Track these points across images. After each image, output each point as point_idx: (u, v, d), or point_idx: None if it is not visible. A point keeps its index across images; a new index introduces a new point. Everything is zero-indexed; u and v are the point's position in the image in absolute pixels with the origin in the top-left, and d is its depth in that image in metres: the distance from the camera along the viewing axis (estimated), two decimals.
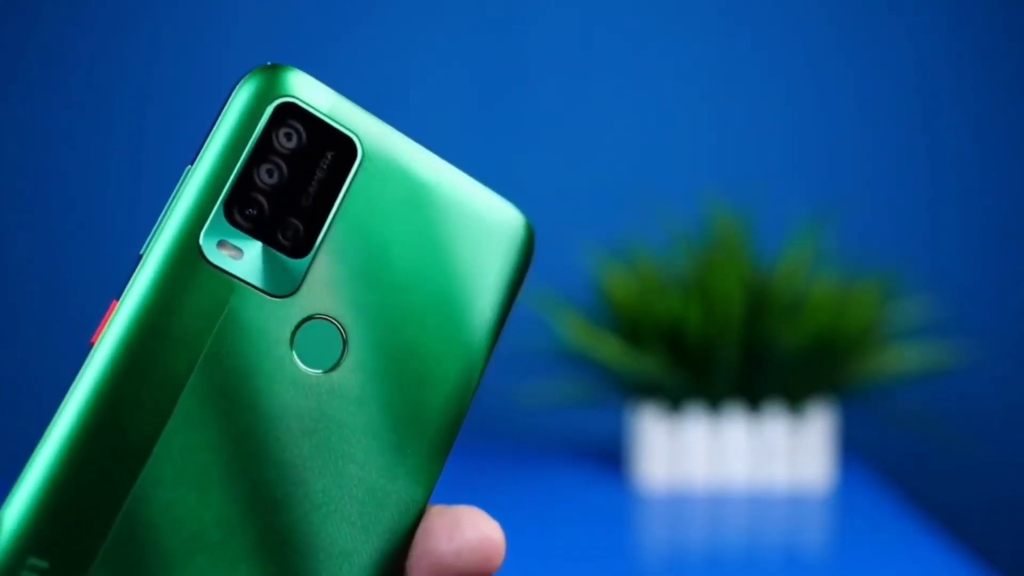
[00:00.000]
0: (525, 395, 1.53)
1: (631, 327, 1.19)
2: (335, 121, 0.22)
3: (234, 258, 0.21)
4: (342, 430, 0.22)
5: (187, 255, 0.21)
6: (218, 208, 0.21)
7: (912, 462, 1.53)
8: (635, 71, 1.54)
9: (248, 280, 0.21)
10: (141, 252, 0.21)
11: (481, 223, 0.24)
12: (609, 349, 1.17)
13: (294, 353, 0.22)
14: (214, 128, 0.21)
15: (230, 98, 0.22)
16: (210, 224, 0.21)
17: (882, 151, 1.54)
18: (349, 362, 0.22)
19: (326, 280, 0.22)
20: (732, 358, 1.17)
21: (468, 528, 0.22)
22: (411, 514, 0.22)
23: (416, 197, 0.23)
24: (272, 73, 0.22)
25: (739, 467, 1.18)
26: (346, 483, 0.22)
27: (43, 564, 0.18)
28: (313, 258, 0.22)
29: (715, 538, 0.96)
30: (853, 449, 1.51)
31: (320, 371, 0.22)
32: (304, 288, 0.22)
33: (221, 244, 0.21)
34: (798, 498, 1.12)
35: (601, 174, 1.54)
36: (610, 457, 1.34)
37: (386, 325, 0.23)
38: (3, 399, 1.54)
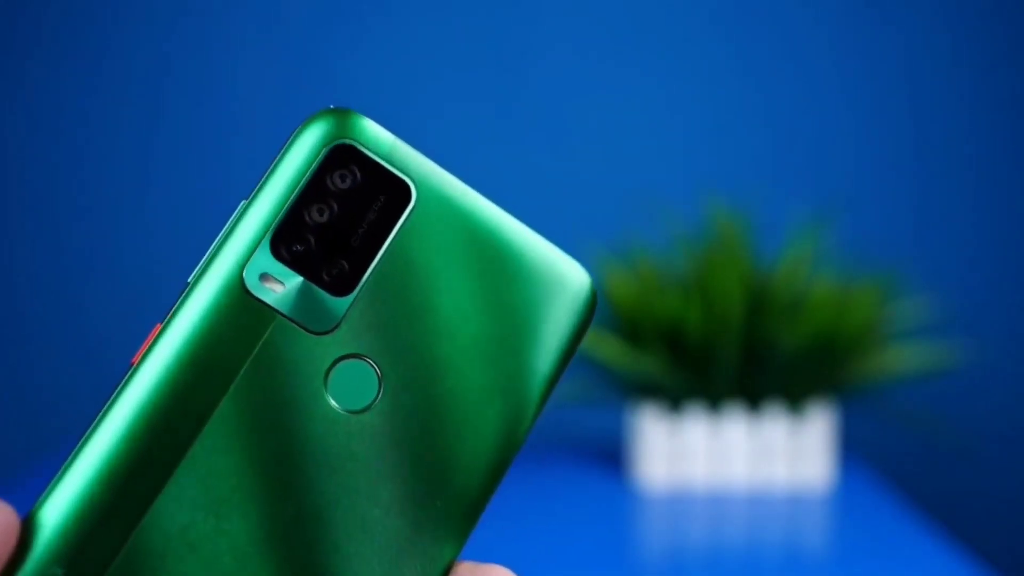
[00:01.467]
0: None
1: (631, 327, 1.19)
2: (392, 165, 0.23)
3: (275, 292, 0.22)
4: (369, 473, 0.21)
5: (229, 285, 0.21)
6: (264, 242, 0.22)
7: (912, 462, 1.53)
8: (636, 71, 1.54)
9: (287, 314, 0.22)
10: (189, 280, 0.22)
11: (539, 278, 0.23)
12: (609, 349, 1.17)
13: (327, 390, 0.22)
14: (272, 166, 0.22)
15: (290, 139, 0.22)
16: (256, 257, 0.22)
17: (882, 151, 1.54)
18: (383, 405, 0.22)
19: (367, 320, 0.22)
20: (732, 358, 1.17)
21: None
22: (436, 569, 0.22)
23: (471, 246, 0.23)
24: (333, 116, 0.23)
25: (739, 467, 1.18)
26: (369, 528, 0.21)
27: (58, 571, 0.19)
28: (356, 297, 0.22)
29: (715, 538, 0.96)
30: (853, 449, 1.51)
31: (352, 411, 0.22)
32: (344, 326, 0.22)
33: (264, 277, 0.22)
34: (798, 498, 1.12)
35: (601, 174, 1.54)
36: (610, 457, 1.34)
37: (426, 372, 0.22)
38: (25, 408, 1.54)
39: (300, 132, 0.22)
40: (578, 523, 1.00)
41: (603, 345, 1.17)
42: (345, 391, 0.22)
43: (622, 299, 1.19)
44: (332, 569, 0.21)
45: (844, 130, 1.54)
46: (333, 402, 0.22)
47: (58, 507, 0.20)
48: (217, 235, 0.21)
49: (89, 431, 0.20)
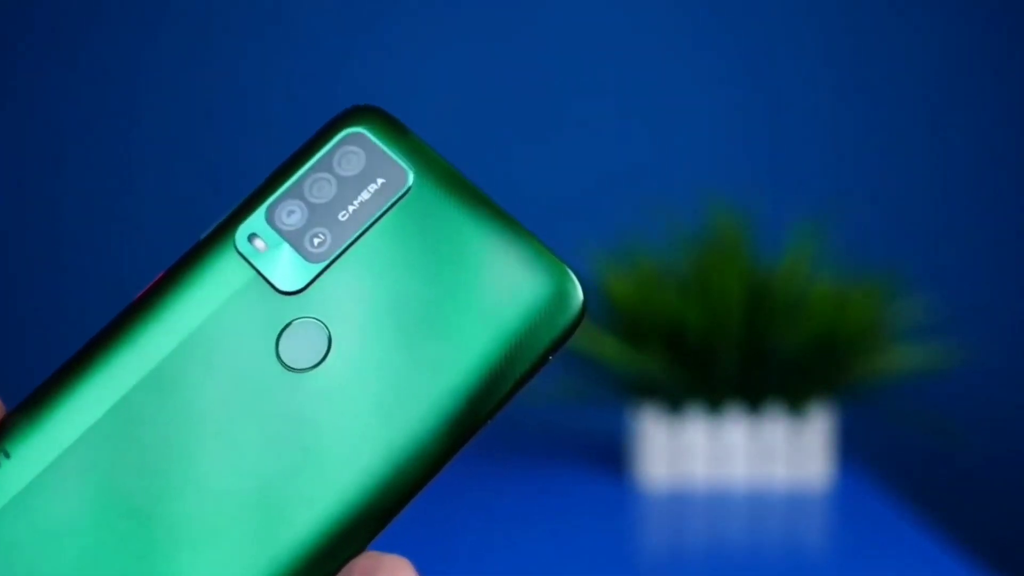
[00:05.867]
0: (525, 394, 1.53)
1: (631, 326, 1.19)
2: (395, 153, 0.24)
3: (259, 251, 0.23)
4: (297, 431, 0.22)
5: (222, 242, 0.24)
6: (262, 208, 0.24)
7: (912, 462, 1.53)
8: (636, 71, 1.54)
9: (261, 271, 0.23)
10: (200, 237, 0.24)
11: (522, 281, 0.23)
12: (609, 348, 1.17)
13: (277, 346, 0.23)
14: (296, 151, 0.25)
15: (318, 130, 0.25)
16: (251, 220, 0.24)
17: (882, 152, 1.54)
18: (327, 368, 0.23)
19: (334, 288, 0.23)
20: (732, 358, 1.17)
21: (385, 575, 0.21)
22: (349, 548, 0.22)
23: (457, 240, 0.24)
24: (355, 110, 0.25)
25: (739, 467, 1.18)
26: (284, 488, 0.22)
27: (8, 451, 0.22)
28: (328, 265, 0.23)
29: (715, 538, 0.96)
30: (853, 449, 1.51)
31: (296, 368, 0.23)
32: (310, 290, 0.23)
33: (252, 237, 0.23)
34: (798, 498, 1.12)
35: (601, 174, 1.54)
36: (610, 457, 1.34)
37: (375, 348, 0.23)
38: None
39: (328, 123, 0.25)
40: (578, 523, 1.00)
41: (603, 345, 1.17)
42: (294, 349, 0.23)
43: (622, 298, 1.19)
44: (240, 522, 0.21)
45: (844, 130, 1.54)
46: (280, 358, 0.23)
47: (28, 403, 0.22)
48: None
49: (76, 353, 0.23)
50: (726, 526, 1.00)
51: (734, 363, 1.18)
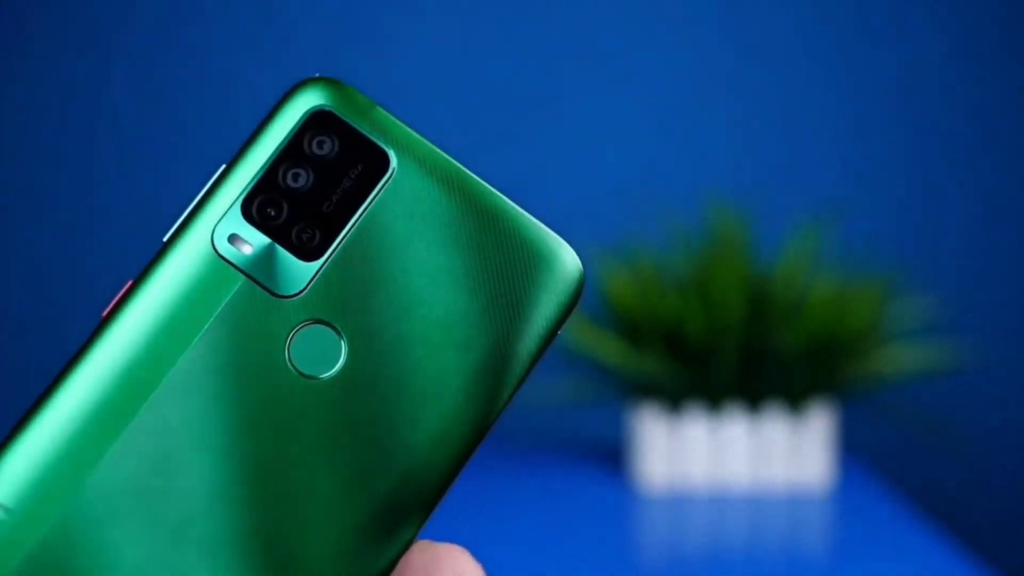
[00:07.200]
0: (525, 395, 1.53)
1: (631, 327, 1.19)
2: (372, 134, 0.23)
3: (243, 252, 0.22)
4: (326, 441, 0.21)
5: (198, 244, 0.21)
6: (236, 203, 0.22)
7: (912, 462, 1.53)
8: (636, 71, 1.54)
9: (253, 275, 0.21)
10: (164, 239, 0.22)
11: (521, 256, 0.23)
12: (609, 349, 1.17)
13: (288, 354, 0.21)
14: (253, 132, 0.22)
15: (274, 106, 0.22)
16: (226, 217, 0.22)
17: (882, 151, 1.54)
18: (345, 373, 0.22)
19: (334, 287, 0.22)
20: (732, 358, 1.17)
21: (446, 568, 0.21)
22: (394, 547, 0.21)
23: (448, 219, 0.23)
24: (315, 83, 0.23)
25: (739, 467, 1.18)
26: (321, 497, 0.21)
27: (7, 505, 0.20)
28: (324, 263, 0.22)
29: (715, 538, 0.96)
30: (853, 449, 1.51)
31: (313, 376, 0.21)
32: (310, 291, 0.22)
33: (233, 238, 0.22)
34: (798, 498, 1.12)
35: (601, 174, 1.54)
36: (610, 457, 1.34)
37: (392, 343, 0.22)
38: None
39: (283, 99, 0.23)
40: (578, 523, 1.00)
41: (603, 345, 1.17)
42: (307, 356, 0.21)
43: (622, 299, 1.19)
44: (282, 536, 0.21)
45: (844, 130, 1.54)
46: (294, 366, 0.21)
47: (12, 449, 0.20)
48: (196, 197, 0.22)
49: (52, 382, 0.20)
50: (726, 526, 1.00)
51: (734, 363, 1.18)
